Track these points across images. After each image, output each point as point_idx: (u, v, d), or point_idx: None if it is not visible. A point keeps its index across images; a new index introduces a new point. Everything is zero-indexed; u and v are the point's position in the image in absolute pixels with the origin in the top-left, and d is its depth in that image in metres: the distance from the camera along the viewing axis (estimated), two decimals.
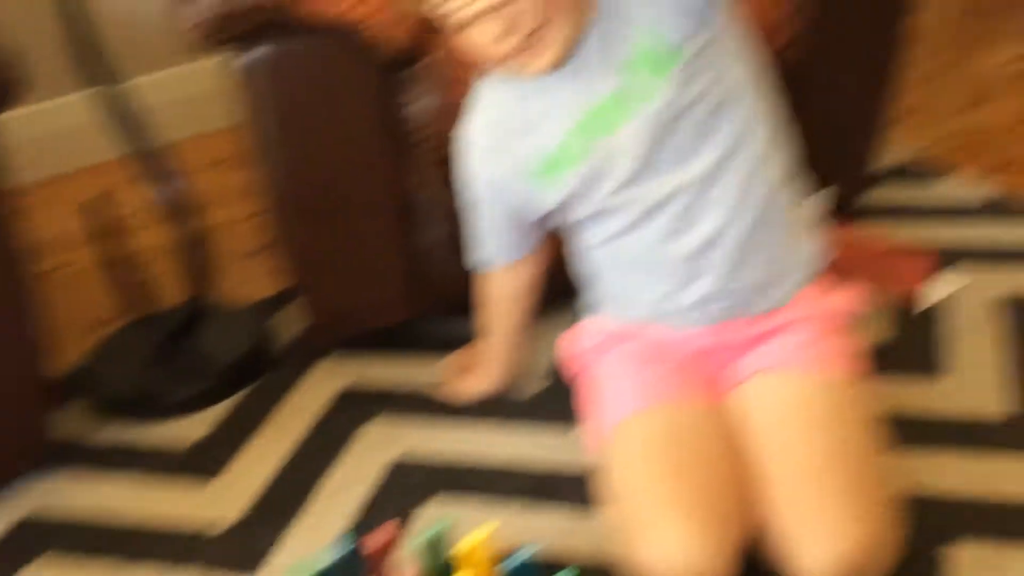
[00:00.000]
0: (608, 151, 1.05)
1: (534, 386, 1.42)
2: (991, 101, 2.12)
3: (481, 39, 1.00)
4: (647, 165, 1.05)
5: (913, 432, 1.23)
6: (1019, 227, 1.61)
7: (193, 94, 2.29)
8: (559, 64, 1.02)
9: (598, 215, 1.10)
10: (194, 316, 1.54)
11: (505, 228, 1.21)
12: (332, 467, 1.32)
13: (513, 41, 0.98)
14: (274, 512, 1.26)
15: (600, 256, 1.16)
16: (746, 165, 1.06)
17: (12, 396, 1.30)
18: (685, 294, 1.11)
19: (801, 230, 1.14)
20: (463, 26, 1.00)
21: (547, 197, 1.12)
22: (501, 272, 1.28)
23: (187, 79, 2.29)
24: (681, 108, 1.02)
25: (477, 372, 1.41)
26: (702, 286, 1.10)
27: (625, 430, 1.08)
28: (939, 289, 1.46)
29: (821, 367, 1.08)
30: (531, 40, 0.99)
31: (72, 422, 1.47)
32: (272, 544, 1.21)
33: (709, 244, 1.07)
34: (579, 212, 1.12)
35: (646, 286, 1.13)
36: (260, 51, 1.25)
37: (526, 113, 1.09)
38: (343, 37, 1.26)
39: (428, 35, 1.33)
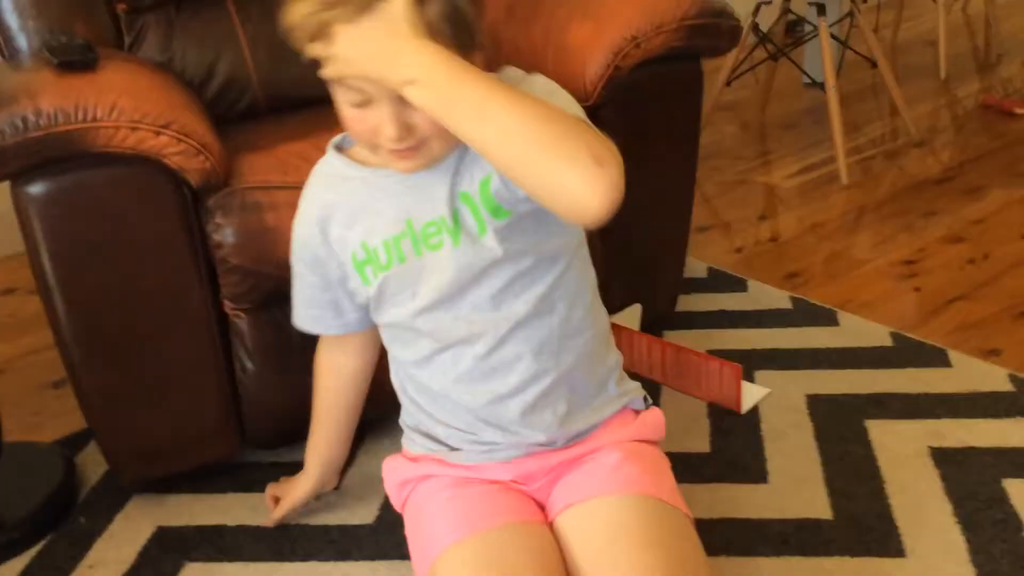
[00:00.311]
0: (419, 269, 1.05)
1: (366, 515, 1.38)
2: (777, 215, 2.30)
3: (367, 125, 0.97)
4: (452, 299, 1.05)
5: (736, 539, 1.26)
6: (813, 332, 1.73)
7: None
8: (418, 170, 1.02)
9: (402, 331, 1.10)
10: None
11: (323, 302, 1.17)
12: None
13: (400, 145, 0.97)
14: None
15: (403, 377, 1.15)
16: (557, 326, 1.07)
17: None
18: (480, 436, 1.11)
19: (609, 372, 1.16)
20: (353, 104, 0.97)
21: (359, 288, 1.11)
22: (327, 346, 1.25)
23: None
24: (497, 259, 1.03)
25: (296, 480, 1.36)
26: (497, 434, 1.10)
27: (447, 563, 1.06)
28: (750, 394, 1.54)
29: (633, 488, 1.08)
30: (414, 147, 0.98)
31: None
32: None
33: (507, 396, 1.08)
34: (384, 319, 1.11)
35: (441, 420, 1.13)
36: (41, 184, 1.20)
37: (364, 200, 1.07)
38: (143, 166, 1.23)
39: (229, 164, 1.32)
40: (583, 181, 0.86)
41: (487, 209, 1.02)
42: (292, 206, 1.14)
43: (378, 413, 1.46)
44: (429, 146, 0.98)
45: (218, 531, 1.37)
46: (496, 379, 1.07)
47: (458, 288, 1.04)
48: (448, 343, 1.07)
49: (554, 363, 1.08)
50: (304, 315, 1.19)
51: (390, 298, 1.08)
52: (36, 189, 1.20)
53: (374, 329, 1.18)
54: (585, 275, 1.12)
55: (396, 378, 1.17)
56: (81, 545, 1.36)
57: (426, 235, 1.04)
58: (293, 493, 1.35)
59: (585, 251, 1.12)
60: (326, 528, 1.35)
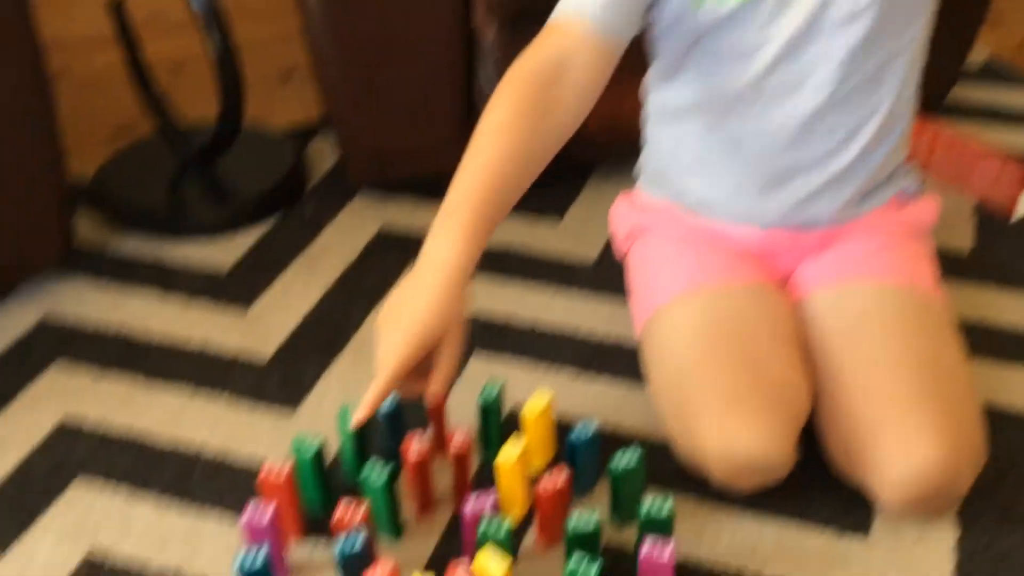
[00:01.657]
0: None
1: (588, 253, 1.33)
2: None
3: None
4: (801, 42, 0.93)
5: (993, 345, 1.16)
6: None
7: None
8: None
9: (724, 64, 0.97)
10: (223, 136, 1.42)
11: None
12: (372, 311, 1.24)
13: None
14: (310, 350, 1.18)
15: (675, 112, 1.05)
16: (886, 105, 0.97)
17: (34, 193, 1.20)
18: (746, 197, 1.02)
19: (898, 166, 1.06)
20: None
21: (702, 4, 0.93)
22: (571, 55, 0.89)
23: None
24: (865, 6, 0.91)
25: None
26: (765, 201, 1.02)
27: (677, 310, 1.01)
28: None
29: (890, 276, 1.01)
30: None
31: (93, 231, 1.38)
32: (311, 382, 1.14)
33: (804, 167, 0.99)
34: (706, 46, 0.96)
35: (707, 169, 1.04)
36: None
37: None
38: None
39: None
40: None
41: None
42: None
43: (607, 152, 1.40)
44: None
45: None
46: (803, 145, 0.98)
47: (811, 30, 0.92)
48: (770, 91, 0.96)
49: (868, 143, 0.98)
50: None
51: (731, 27, 0.94)
52: None
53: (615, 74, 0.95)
54: (923, 52, 1.00)
55: (660, 113, 1.08)
56: (308, 230, 1.38)
57: None
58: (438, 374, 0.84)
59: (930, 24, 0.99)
60: (546, 261, 1.32)
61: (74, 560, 0.94)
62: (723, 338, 0.96)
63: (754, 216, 1.04)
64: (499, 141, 0.86)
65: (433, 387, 0.83)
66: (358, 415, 0.83)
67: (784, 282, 1.07)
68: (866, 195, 1.04)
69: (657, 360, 1.01)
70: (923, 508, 0.91)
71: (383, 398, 0.81)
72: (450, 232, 0.83)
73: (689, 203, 1.08)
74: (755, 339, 0.96)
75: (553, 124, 0.89)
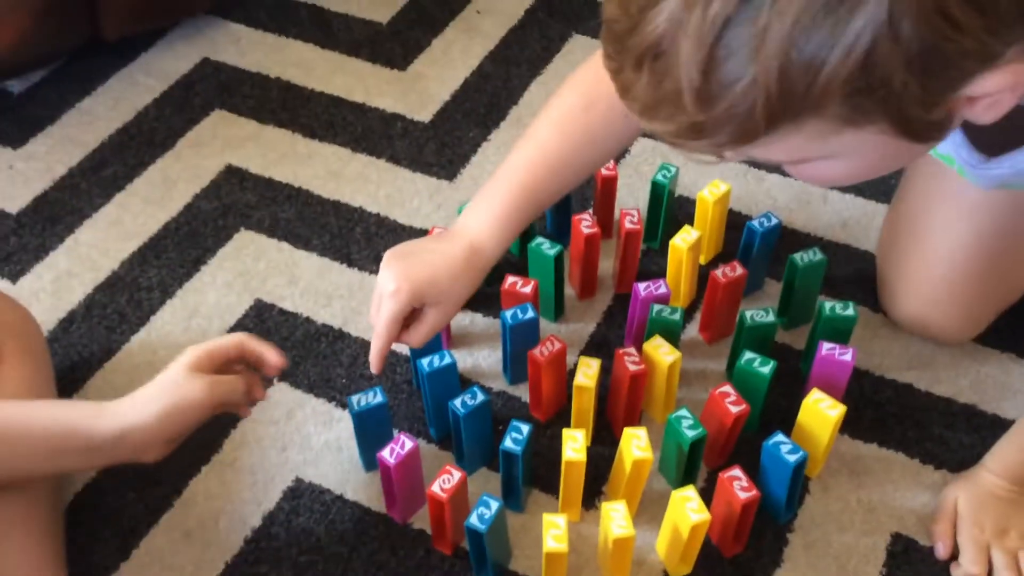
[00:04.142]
0: None
1: None
2: None
3: None
4: None
5: None
6: None
7: None
8: None
9: None
10: None
11: None
12: (532, 80, 1.18)
13: None
14: (469, 117, 1.13)
15: None
16: None
17: None
18: None
19: None
20: None
21: None
22: None
23: None
24: None
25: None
26: None
27: None
28: None
29: None
30: None
31: None
32: (469, 150, 1.10)
33: None
34: None
35: None
36: None
37: None
38: None
39: None
40: None
41: None
42: None
43: None
44: None
45: None
46: None
47: None
48: None
49: None
50: None
51: None
52: None
53: None
54: None
55: None
56: None
57: None
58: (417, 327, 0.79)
59: None
60: None
61: (243, 305, 0.95)
62: None
63: None
64: (557, 135, 0.80)
65: (406, 338, 0.78)
66: (374, 368, 0.78)
67: None
68: None
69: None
70: None
71: (384, 353, 0.77)
72: (488, 211, 0.79)
73: None
74: None
75: (616, 131, 0.80)
